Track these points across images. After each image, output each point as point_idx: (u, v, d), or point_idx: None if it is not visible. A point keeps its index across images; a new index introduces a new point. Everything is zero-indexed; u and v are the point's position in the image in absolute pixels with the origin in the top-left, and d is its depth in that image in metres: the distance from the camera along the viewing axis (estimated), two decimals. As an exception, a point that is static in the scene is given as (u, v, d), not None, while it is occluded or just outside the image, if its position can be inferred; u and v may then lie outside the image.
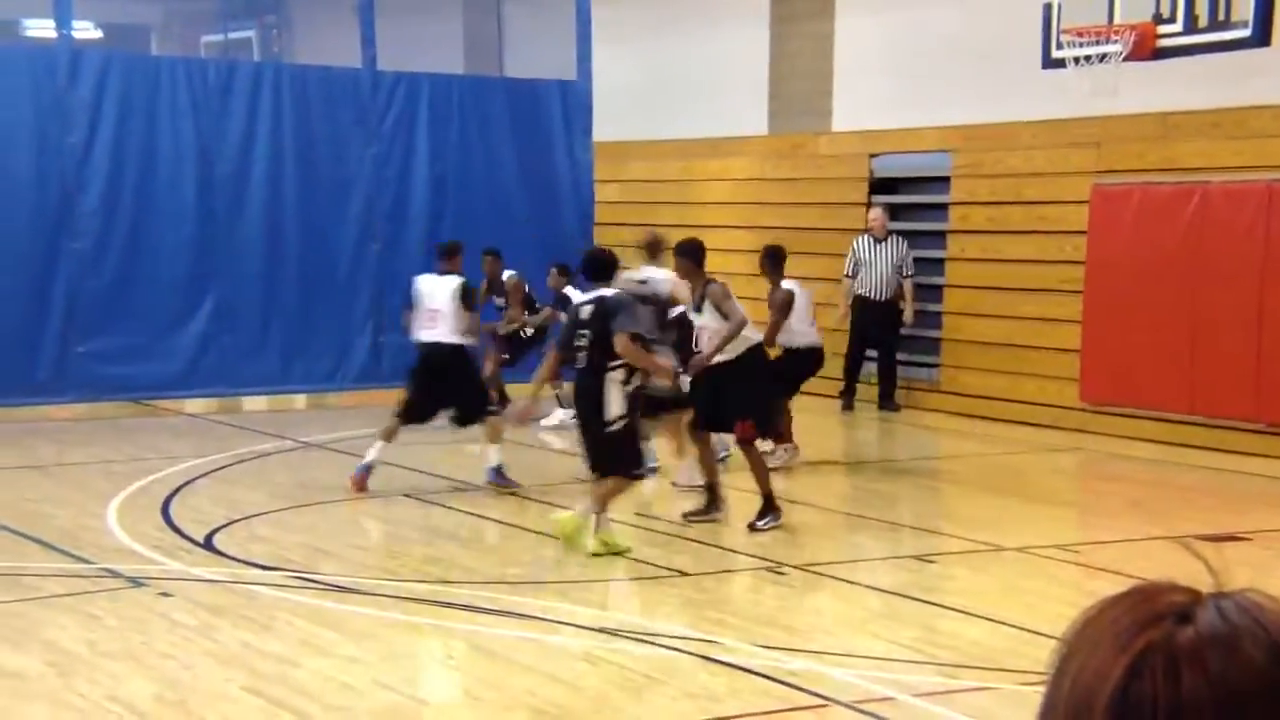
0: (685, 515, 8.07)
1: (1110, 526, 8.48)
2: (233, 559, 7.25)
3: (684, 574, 7.21)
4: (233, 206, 12.43)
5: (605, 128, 13.86)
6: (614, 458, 7.26)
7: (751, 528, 7.84)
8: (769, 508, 7.91)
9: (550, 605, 6.54)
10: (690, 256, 7.97)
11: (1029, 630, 6.19)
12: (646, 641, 6.10)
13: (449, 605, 6.42)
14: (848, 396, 12.43)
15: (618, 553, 7.29)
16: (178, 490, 8.88)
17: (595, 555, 7.21)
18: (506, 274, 11.92)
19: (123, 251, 12.03)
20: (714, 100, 14.24)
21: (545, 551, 7.63)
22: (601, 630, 6.21)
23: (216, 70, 12.77)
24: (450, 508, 8.49)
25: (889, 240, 12.59)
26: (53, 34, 12.33)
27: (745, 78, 13.98)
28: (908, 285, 12.52)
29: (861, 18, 13.12)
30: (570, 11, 13.67)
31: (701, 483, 8.24)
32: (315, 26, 19.68)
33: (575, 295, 9.03)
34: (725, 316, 7.75)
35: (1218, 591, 0.87)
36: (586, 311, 7.37)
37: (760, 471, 7.93)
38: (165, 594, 6.56)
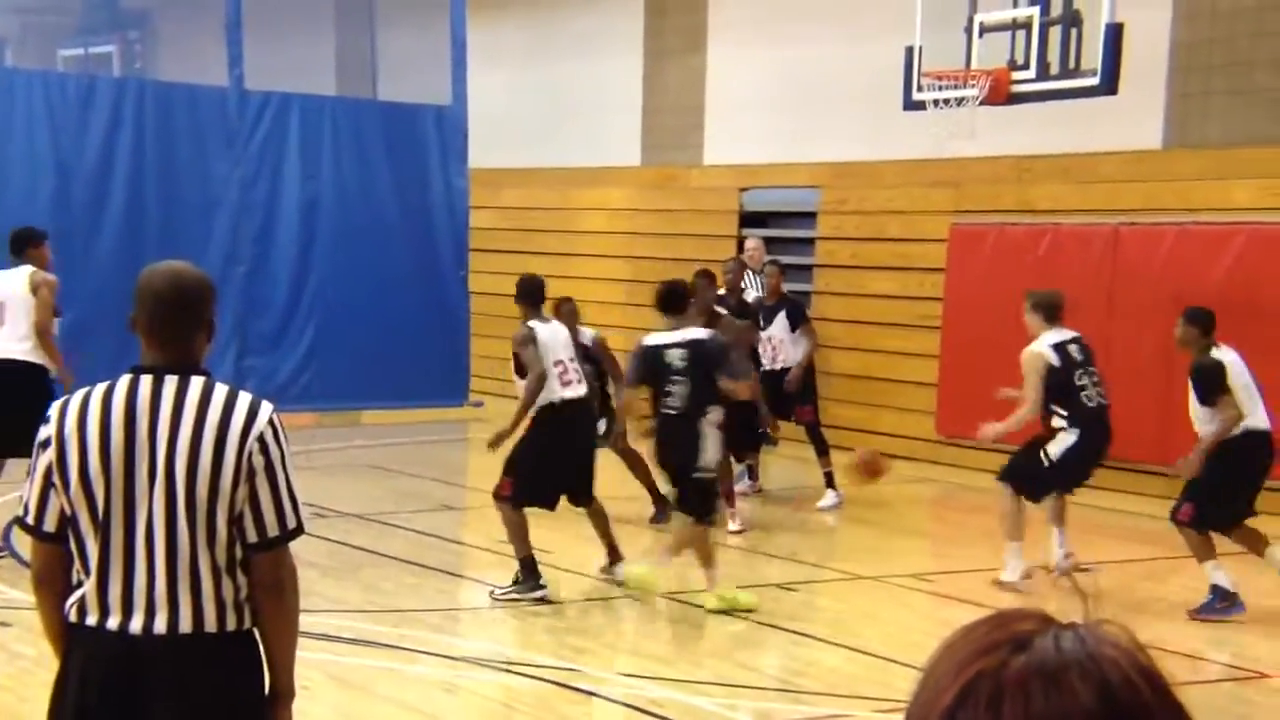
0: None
1: (964, 556, 8.71)
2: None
3: (547, 602, 7.21)
4: (91, 228, 12.08)
5: (480, 154, 13.83)
6: (703, 503, 7.15)
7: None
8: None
9: (410, 634, 6.48)
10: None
11: (884, 658, 6.32)
12: (507, 670, 6.09)
13: (305, 635, 6.29)
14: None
15: (744, 609, 7.02)
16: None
17: (713, 612, 7.03)
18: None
19: (-28, 269, 11.60)
20: (590, 129, 14.32)
21: (407, 580, 7.56)
22: (462, 659, 6.17)
23: (76, 85, 12.44)
24: (309, 534, 8.33)
25: (765, 272, 12.71)
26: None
27: (620, 108, 14.10)
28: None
29: (732, 51, 13.34)
30: (445, 36, 13.65)
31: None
32: (181, 43, 19.28)
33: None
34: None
35: (1070, 621, 0.85)
36: (680, 355, 7.00)
37: None
38: (4, 624, 6.34)
